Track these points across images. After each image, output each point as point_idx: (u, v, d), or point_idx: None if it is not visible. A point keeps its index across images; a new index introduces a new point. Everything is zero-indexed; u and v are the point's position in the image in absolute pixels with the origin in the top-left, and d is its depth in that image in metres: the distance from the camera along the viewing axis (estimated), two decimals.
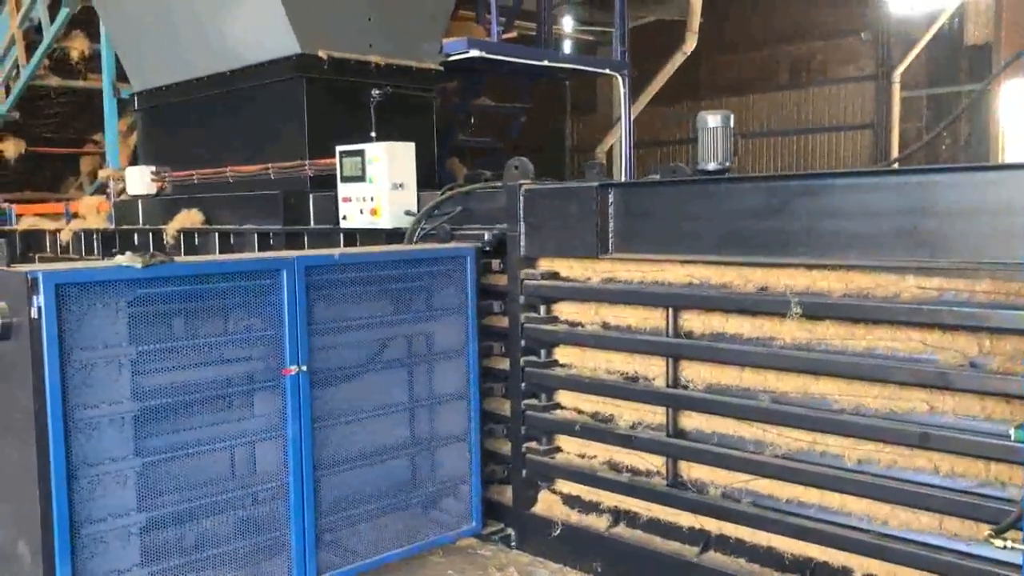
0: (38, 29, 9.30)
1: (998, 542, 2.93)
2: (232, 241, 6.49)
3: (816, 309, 3.52)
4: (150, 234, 7.21)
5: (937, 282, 3.23)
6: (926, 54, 16.50)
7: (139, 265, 3.41)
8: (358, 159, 5.43)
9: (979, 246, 3.15)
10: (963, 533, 3.22)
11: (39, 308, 3.18)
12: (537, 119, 12.87)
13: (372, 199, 5.35)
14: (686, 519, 4.08)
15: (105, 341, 3.36)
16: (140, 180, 7.41)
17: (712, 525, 3.97)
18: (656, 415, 4.15)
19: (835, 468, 3.54)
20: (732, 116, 4.49)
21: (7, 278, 3.31)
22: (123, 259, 3.43)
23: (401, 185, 5.32)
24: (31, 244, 8.91)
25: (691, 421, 4.05)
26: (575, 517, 4.52)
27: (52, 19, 8.99)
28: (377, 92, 6.10)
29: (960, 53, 16.63)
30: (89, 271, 3.38)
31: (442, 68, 7.02)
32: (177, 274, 3.54)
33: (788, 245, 3.64)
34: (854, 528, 3.50)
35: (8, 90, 9.82)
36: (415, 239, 5.07)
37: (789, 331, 3.63)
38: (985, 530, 2.91)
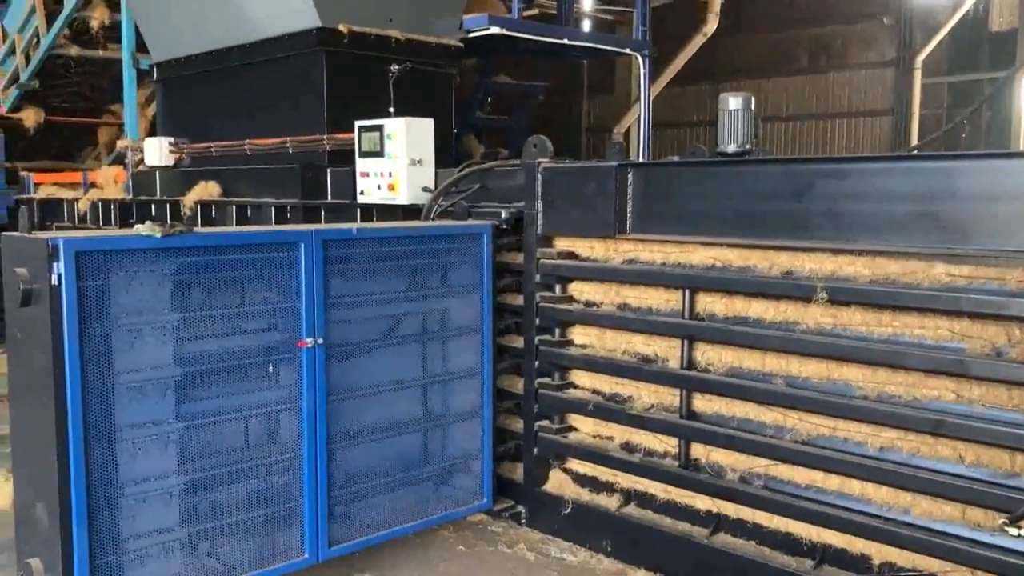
0: None
1: (1012, 530, 2.94)
2: (249, 214, 6.51)
3: (842, 294, 3.49)
4: (167, 205, 7.24)
5: (967, 270, 3.20)
6: (948, 40, 16.31)
7: (158, 235, 3.42)
8: (376, 134, 5.42)
9: (1004, 233, 3.12)
10: (987, 523, 3.21)
11: (59, 275, 3.20)
12: (554, 99, 12.82)
13: (390, 174, 5.34)
14: (699, 501, 4.09)
15: (123, 309, 3.38)
16: (158, 151, 7.43)
17: (728, 508, 3.98)
18: (672, 397, 4.15)
19: (856, 455, 3.53)
20: (753, 98, 4.46)
21: (28, 245, 3.33)
22: (143, 228, 3.45)
23: (419, 161, 5.31)
24: (49, 213, 8.96)
25: (710, 404, 4.04)
26: (586, 496, 4.54)
27: None
28: (396, 67, 6.08)
29: (983, 40, 16.43)
30: (109, 239, 3.40)
31: (462, 45, 6.99)
32: (196, 244, 3.56)
33: (810, 229, 3.62)
34: (874, 516, 3.49)
35: (28, 59, 9.84)
36: (432, 215, 5.07)
37: (813, 316, 3.61)
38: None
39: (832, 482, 3.64)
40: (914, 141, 16.33)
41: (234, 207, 6.62)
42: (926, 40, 16.35)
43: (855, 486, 3.58)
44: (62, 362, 3.22)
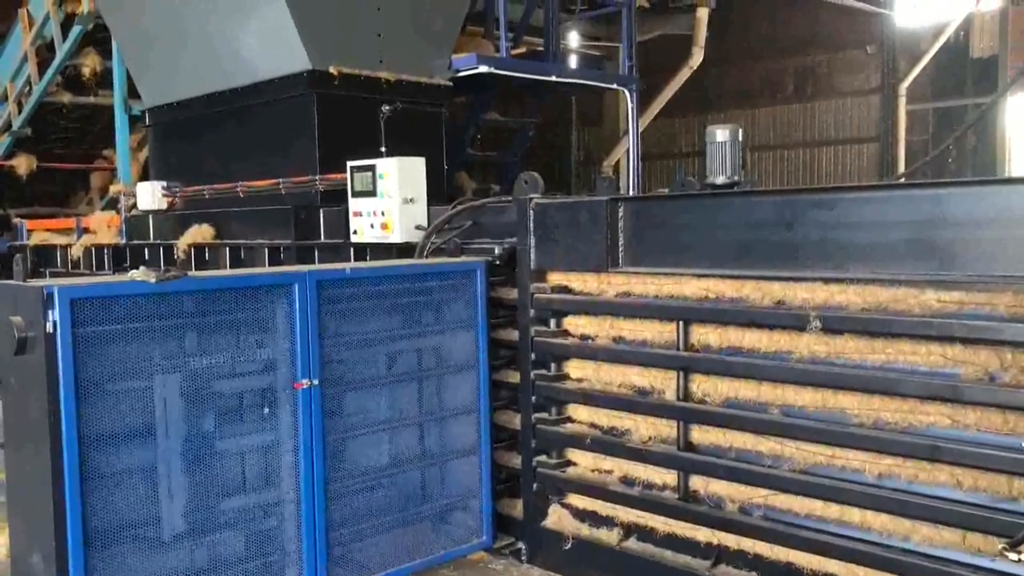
0: (50, 47, 9.40)
1: (1012, 555, 2.93)
2: (243, 256, 6.53)
3: (835, 323, 3.51)
4: (161, 249, 7.26)
5: (958, 296, 3.22)
6: (932, 67, 16.55)
7: (153, 280, 3.43)
8: (369, 174, 5.47)
9: (993, 259, 3.15)
10: (987, 549, 3.19)
11: (54, 323, 3.21)
12: (544, 133, 12.93)
13: (383, 214, 5.38)
14: (700, 534, 4.06)
15: (119, 356, 3.38)
16: (151, 195, 7.46)
17: (729, 540, 3.95)
18: (670, 429, 4.15)
19: (854, 483, 3.52)
20: (740, 130, 4.51)
21: (23, 293, 3.34)
22: (137, 274, 3.46)
23: (412, 200, 5.35)
24: (42, 259, 8.97)
25: (707, 436, 4.03)
26: (586, 531, 4.51)
27: (65, 37, 9.08)
28: (387, 107, 6.14)
29: (965, 66, 16.68)
30: (104, 286, 3.41)
31: (451, 84, 7.07)
32: (190, 289, 3.57)
33: (801, 258, 3.65)
34: (875, 543, 3.47)
35: (21, 107, 9.90)
36: (425, 253, 5.09)
37: (807, 345, 3.62)
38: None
39: (832, 511, 3.63)
40: (901, 166, 16.50)
41: (228, 249, 6.64)
42: (910, 67, 16.60)
43: (854, 514, 3.56)
44: (58, 409, 3.22)
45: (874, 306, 3.42)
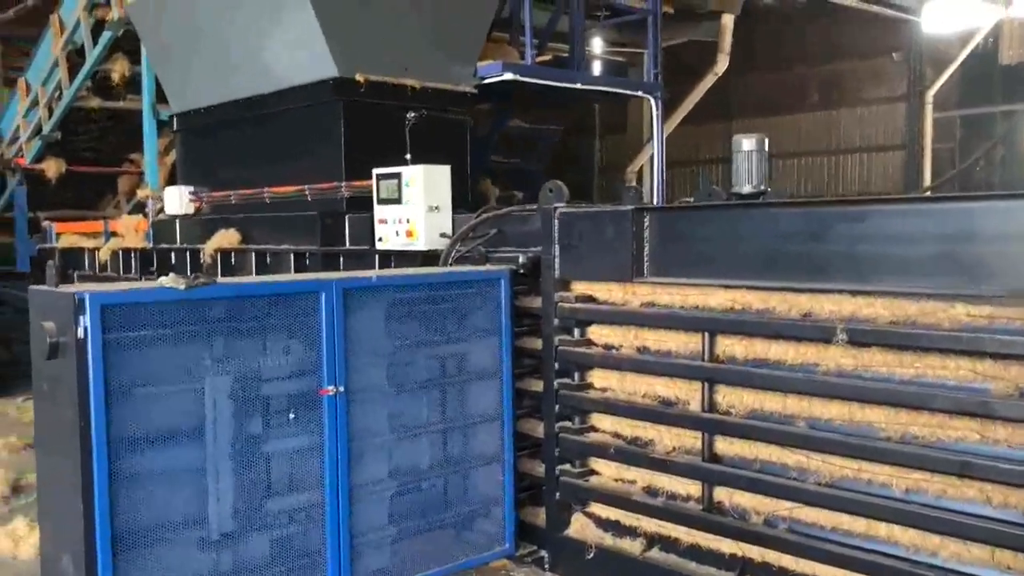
0: (80, 52, 9.51)
1: None
2: (268, 261, 6.57)
3: (862, 336, 3.49)
4: (188, 253, 7.32)
5: (988, 310, 3.19)
6: (959, 74, 16.39)
7: (182, 287, 3.47)
8: (394, 181, 5.49)
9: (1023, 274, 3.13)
10: (1017, 566, 3.16)
11: (85, 328, 3.25)
12: (566, 139, 12.92)
13: (408, 221, 5.40)
14: (724, 545, 4.05)
15: (148, 361, 3.42)
16: (178, 200, 7.52)
17: (753, 552, 3.94)
18: (694, 440, 4.14)
19: (881, 497, 3.49)
20: (767, 139, 4.50)
21: (55, 298, 3.39)
22: (166, 281, 3.50)
23: (437, 207, 5.37)
24: (70, 262, 9.07)
25: (732, 447, 4.02)
26: (609, 540, 4.51)
27: (95, 42, 9.18)
28: (412, 115, 6.17)
29: (994, 73, 16.51)
30: (134, 292, 3.45)
31: (476, 91, 7.09)
32: (218, 296, 3.60)
33: (828, 271, 3.63)
34: (902, 559, 3.45)
35: (51, 111, 10.03)
36: (450, 261, 5.11)
37: (833, 357, 3.60)
38: None
39: (858, 525, 3.61)
40: (927, 175, 16.35)
41: (254, 255, 6.69)
42: (937, 74, 16.45)
43: (881, 529, 3.54)
44: (88, 415, 3.26)
45: (902, 319, 3.40)
